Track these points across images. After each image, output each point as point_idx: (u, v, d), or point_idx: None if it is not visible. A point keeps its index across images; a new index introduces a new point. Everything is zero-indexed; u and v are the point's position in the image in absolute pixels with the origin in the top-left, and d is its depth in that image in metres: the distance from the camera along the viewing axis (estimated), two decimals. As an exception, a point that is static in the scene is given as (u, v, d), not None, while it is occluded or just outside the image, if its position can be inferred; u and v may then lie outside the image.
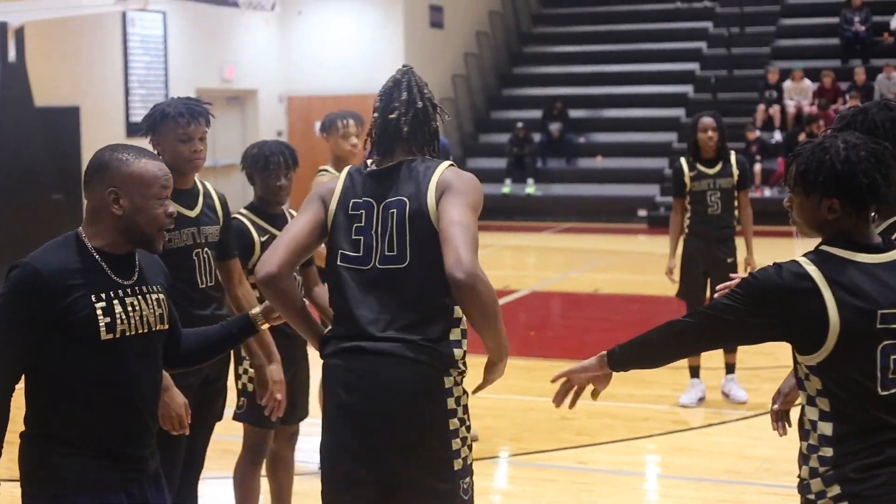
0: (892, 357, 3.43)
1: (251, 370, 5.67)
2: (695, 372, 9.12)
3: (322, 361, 4.00)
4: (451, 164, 4.03)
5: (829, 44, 25.34)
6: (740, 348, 9.08)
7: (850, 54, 24.78)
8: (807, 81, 23.59)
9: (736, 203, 9.04)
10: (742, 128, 23.18)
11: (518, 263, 19.03)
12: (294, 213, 5.96)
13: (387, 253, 3.89)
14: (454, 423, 3.89)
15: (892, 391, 3.44)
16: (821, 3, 26.52)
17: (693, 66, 26.14)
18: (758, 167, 22.68)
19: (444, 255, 3.73)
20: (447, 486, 3.90)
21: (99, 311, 3.65)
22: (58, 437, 3.67)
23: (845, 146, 3.46)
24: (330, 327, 4.02)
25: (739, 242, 9.09)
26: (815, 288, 3.38)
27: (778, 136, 23.23)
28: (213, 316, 5.11)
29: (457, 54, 26.26)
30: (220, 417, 5.37)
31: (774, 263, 3.48)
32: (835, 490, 3.38)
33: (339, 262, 3.96)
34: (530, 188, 24.04)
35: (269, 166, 5.79)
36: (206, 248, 5.12)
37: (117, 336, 3.68)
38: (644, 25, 27.55)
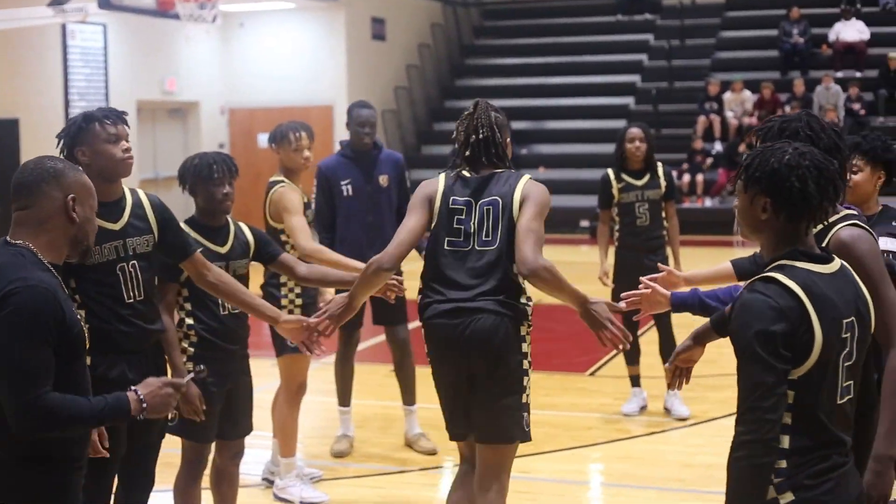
0: (846, 364, 3.49)
1: None
2: (636, 381, 9.13)
3: (423, 322, 5.19)
4: (530, 177, 5.24)
5: (769, 56, 25.58)
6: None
7: (789, 66, 25.01)
8: (747, 93, 23.79)
9: (663, 214, 9.05)
10: (683, 139, 23.31)
11: (461, 275, 19.04)
12: (241, 224, 5.91)
13: (483, 238, 5.13)
14: (525, 364, 5.13)
15: (846, 399, 3.50)
16: (760, 15, 26.76)
17: (634, 78, 26.28)
18: (700, 177, 22.82)
19: (517, 252, 4.98)
20: (511, 407, 5.09)
21: (84, 324, 3.72)
22: (38, 457, 3.64)
23: (792, 151, 3.50)
24: (426, 294, 5.20)
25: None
26: (801, 302, 3.40)
27: (718, 146, 23.39)
28: (143, 331, 5.01)
29: (399, 66, 26.27)
30: (163, 434, 5.29)
31: (750, 290, 3.46)
32: (788, 497, 3.43)
33: (444, 247, 5.17)
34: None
35: (214, 174, 5.72)
36: (132, 262, 4.97)
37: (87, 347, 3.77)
38: (585, 38, 27.67)
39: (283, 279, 6.98)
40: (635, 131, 8.92)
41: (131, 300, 4.94)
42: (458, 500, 5.35)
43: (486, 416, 5.12)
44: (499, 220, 5.12)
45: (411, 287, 6.65)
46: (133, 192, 5.11)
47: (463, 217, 5.17)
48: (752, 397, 3.37)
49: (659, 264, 5.81)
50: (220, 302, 5.69)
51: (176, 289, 5.64)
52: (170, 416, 5.65)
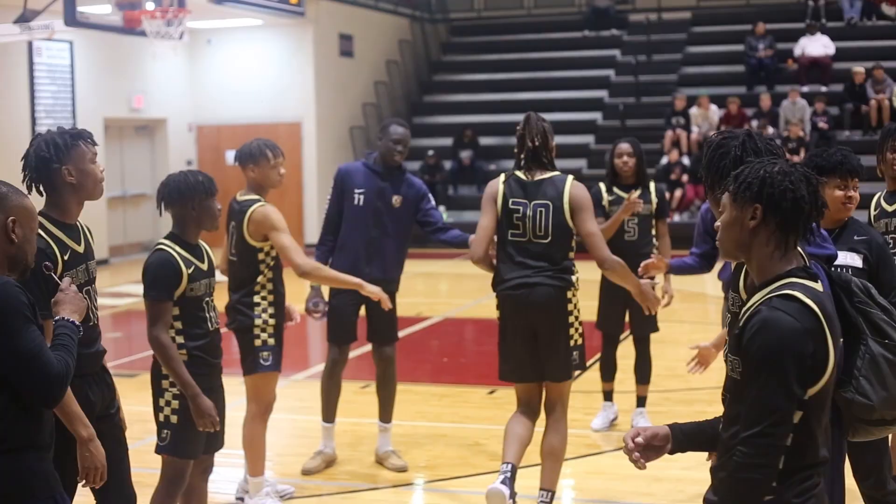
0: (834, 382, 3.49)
1: (174, 402, 5.64)
2: (608, 396, 9.15)
3: (497, 292, 6.79)
4: (573, 178, 6.76)
5: (735, 71, 25.72)
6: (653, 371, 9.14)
7: (754, 81, 25.17)
8: (713, 108, 23.87)
9: (654, 231, 8.98)
10: (651, 154, 23.38)
11: (430, 290, 19.04)
12: (205, 245, 5.90)
13: (538, 233, 6.67)
14: (571, 319, 6.75)
15: (829, 417, 3.51)
16: (726, 31, 26.93)
17: (601, 94, 26.38)
18: (678, 192, 22.78)
19: (592, 254, 6.65)
20: (565, 352, 6.73)
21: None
22: (36, 444, 3.94)
23: (784, 163, 3.51)
24: (499, 271, 6.76)
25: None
26: (820, 322, 3.38)
27: (686, 161, 23.47)
28: (101, 352, 5.06)
29: (367, 83, 26.30)
30: (123, 447, 5.21)
31: (770, 308, 3.38)
32: None
33: (508, 238, 6.71)
34: (442, 215, 24.00)
35: (215, 191, 5.80)
36: (93, 284, 5.04)
37: None
38: (553, 54, 27.78)
39: (256, 300, 6.98)
40: (623, 146, 8.86)
41: (93, 323, 4.98)
42: (520, 432, 6.80)
43: (551, 361, 6.73)
44: (549, 220, 6.64)
45: (402, 304, 6.67)
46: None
47: (520, 215, 6.68)
48: (766, 422, 3.33)
49: (701, 346, 6.29)
50: (208, 317, 5.73)
51: (171, 307, 5.65)
52: (161, 436, 5.69)
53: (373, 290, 7.03)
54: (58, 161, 4.85)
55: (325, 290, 7.98)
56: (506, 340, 6.84)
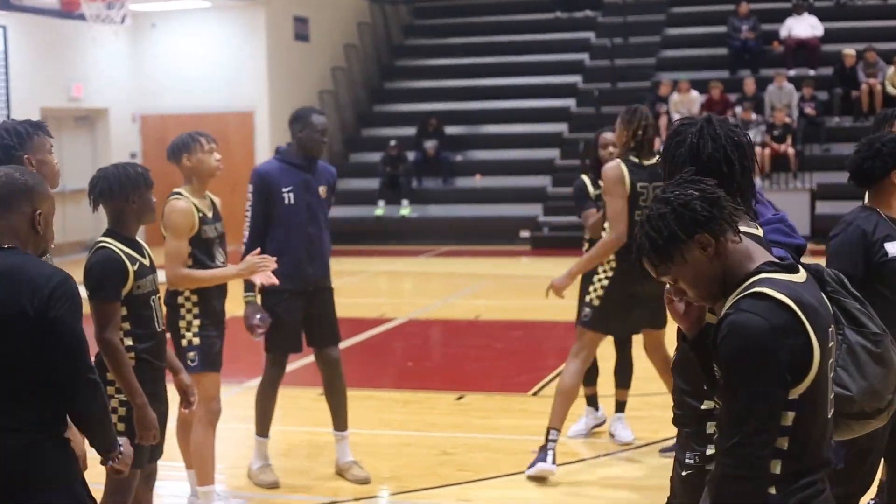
0: (830, 375, 3.48)
1: (121, 409, 5.62)
2: (591, 401, 9.14)
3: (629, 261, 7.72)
4: None
5: (717, 54, 25.78)
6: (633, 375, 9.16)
7: (738, 64, 25.21)
8: (694, 93, 23.86)
9: None
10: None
11: (394, 290, 19.04)
12: (144, 243, 5.90)
13: None
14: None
15: (831, 412, 3.51)
16: (707, 11, 26.98)
17: (575, 79, 26.39)
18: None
19: None
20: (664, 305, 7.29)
21: None
22: (61, 434, 4.23)
23: (661, 196, 3.51)
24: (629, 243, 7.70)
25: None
26: (796, 315, 3.35)
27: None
28: None
29: (324, 69, 26.25)
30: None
31: (736, 310, 3.37)
32: None
33: (635, 218, 7.74)
34: (405, 210, 24.03)
35: (151, 184, 5.79)
36: None
37: None
38: (522, 37, 27.79)
39: (179, 300, 7.02)
40: (608, 136, 8.72)
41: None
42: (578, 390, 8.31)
43: (658, 314, 8.16)
44: None
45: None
46: None
47: (645, 196, 7.84)
48: (742, 432, 3.31)
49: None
50: (155, 317, 5.74)
51: (120, 308, 5.64)
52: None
53: (244, 267, 7.08)
54: (20, 148, 5.01)
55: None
56: (618, 302, 8.14)
